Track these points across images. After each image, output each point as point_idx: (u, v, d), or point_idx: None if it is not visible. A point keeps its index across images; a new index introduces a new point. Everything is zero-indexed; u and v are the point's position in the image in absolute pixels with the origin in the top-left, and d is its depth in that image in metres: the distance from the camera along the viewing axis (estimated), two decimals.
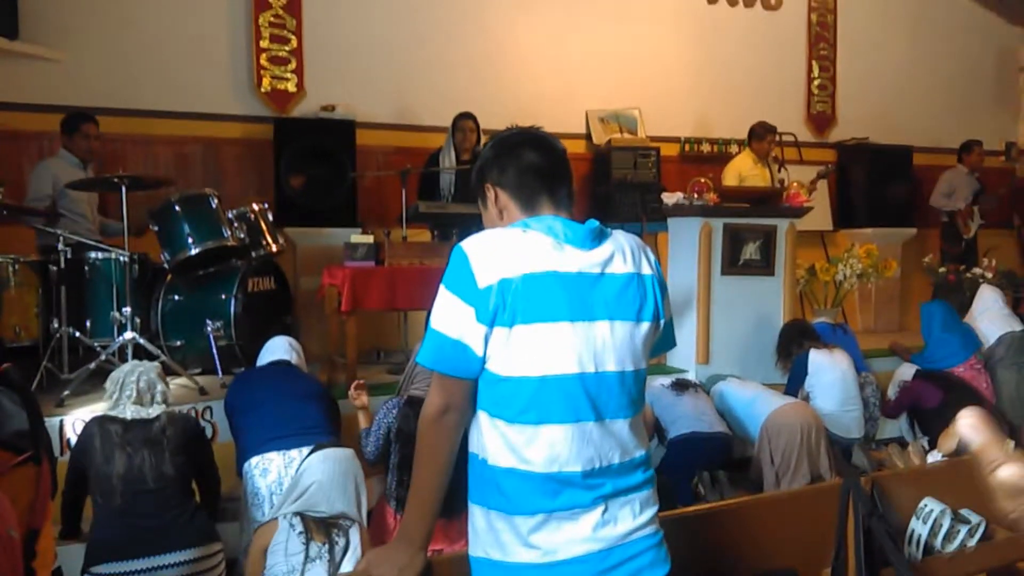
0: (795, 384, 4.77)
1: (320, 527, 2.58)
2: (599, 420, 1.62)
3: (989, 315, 5.54)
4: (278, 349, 3.88)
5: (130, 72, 5.78)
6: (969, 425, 2.19)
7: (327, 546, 2.53)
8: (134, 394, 2.98)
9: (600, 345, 1.63)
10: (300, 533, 2.54)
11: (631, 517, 1.65)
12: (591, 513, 1.61)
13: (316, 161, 5.92)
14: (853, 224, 7.83)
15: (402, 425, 3.29)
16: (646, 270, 1.71)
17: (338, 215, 5.97)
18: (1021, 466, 1.92)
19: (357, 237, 5.00)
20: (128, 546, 2.77)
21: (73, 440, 3.52)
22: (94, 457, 2.88)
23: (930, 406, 4.65)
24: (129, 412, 2.96)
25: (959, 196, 7.59)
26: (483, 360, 1.61)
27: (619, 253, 1.69)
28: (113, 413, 2.98)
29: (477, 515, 1.69)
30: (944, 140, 8.11)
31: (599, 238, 1.69)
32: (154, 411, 3.00)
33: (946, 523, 2.62)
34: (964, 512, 2.69)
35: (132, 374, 3.03)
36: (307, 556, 2.48)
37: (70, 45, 5.61)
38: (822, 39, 8.13)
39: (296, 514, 2.60)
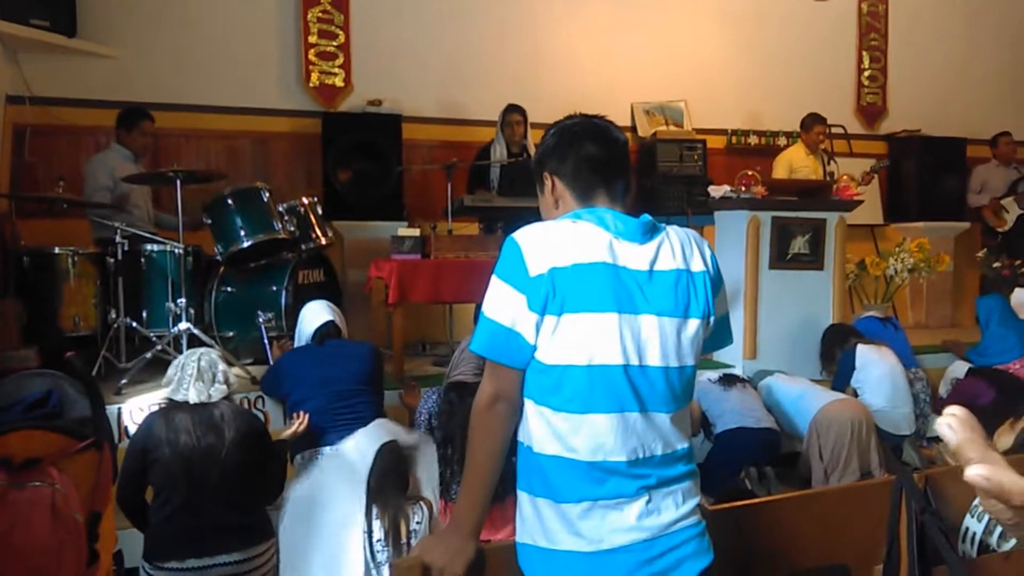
0: (843, 380, 4.70)
1: (394, 528, 2.48)
2: (643, 412, 1.62)
3: None
4: (321, 313, 3.82)
5: (182, 68, 5.89)
6: None
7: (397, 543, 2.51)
8: (195, 372, 2.87)
9: (645, 339, 1.62)
10: (379, 540, 2.46)
11: (674, 507, 1.65)
12: (635, 503, 1.62)
13: (363, 155, 5.98)
14: (904, 218, 7.66)
15: (442, 407, 3.32)
16: (697, 266, 1.70)
17: (385, 208, 6.01)
18: None
19: (404, 230, 5.04)
20: (190, 545, 2.70)
21: (131, 428, 3.61)
22: (158, 446, 2.73)
23: (983, 404, 4.55)
24: (193, 393, 2.83)
25: (987, 190, 7.48)
26: (534, 349, 1.62)
27: (668, 249, 1.68)
28: (175, 398, 2.85)
29: (524, 502, 1.70)
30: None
31: (651, 232, 1.68)
32: (216, 393, 2.87)
33: None
34: None
35: (192, 355, 2.94)
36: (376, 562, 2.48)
37: (125, 42, 5.74)
38: (873, 29, 7.98)
39: (378, 518, 2.48)
